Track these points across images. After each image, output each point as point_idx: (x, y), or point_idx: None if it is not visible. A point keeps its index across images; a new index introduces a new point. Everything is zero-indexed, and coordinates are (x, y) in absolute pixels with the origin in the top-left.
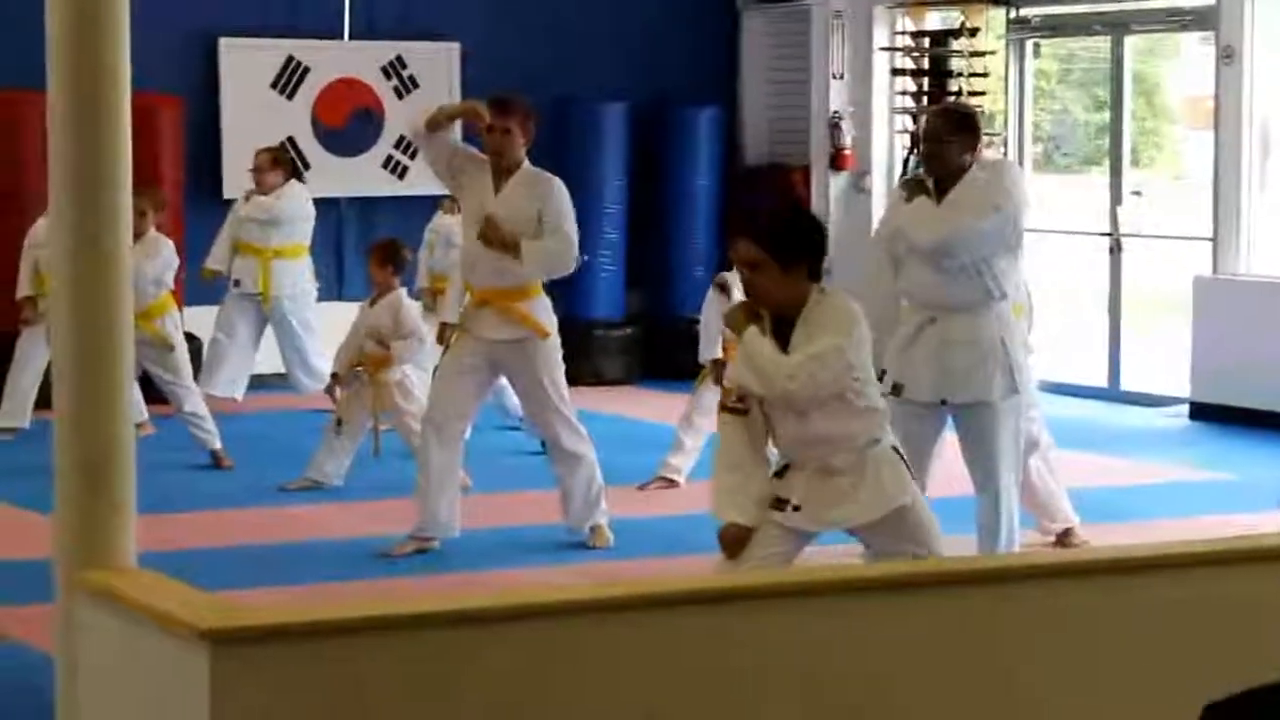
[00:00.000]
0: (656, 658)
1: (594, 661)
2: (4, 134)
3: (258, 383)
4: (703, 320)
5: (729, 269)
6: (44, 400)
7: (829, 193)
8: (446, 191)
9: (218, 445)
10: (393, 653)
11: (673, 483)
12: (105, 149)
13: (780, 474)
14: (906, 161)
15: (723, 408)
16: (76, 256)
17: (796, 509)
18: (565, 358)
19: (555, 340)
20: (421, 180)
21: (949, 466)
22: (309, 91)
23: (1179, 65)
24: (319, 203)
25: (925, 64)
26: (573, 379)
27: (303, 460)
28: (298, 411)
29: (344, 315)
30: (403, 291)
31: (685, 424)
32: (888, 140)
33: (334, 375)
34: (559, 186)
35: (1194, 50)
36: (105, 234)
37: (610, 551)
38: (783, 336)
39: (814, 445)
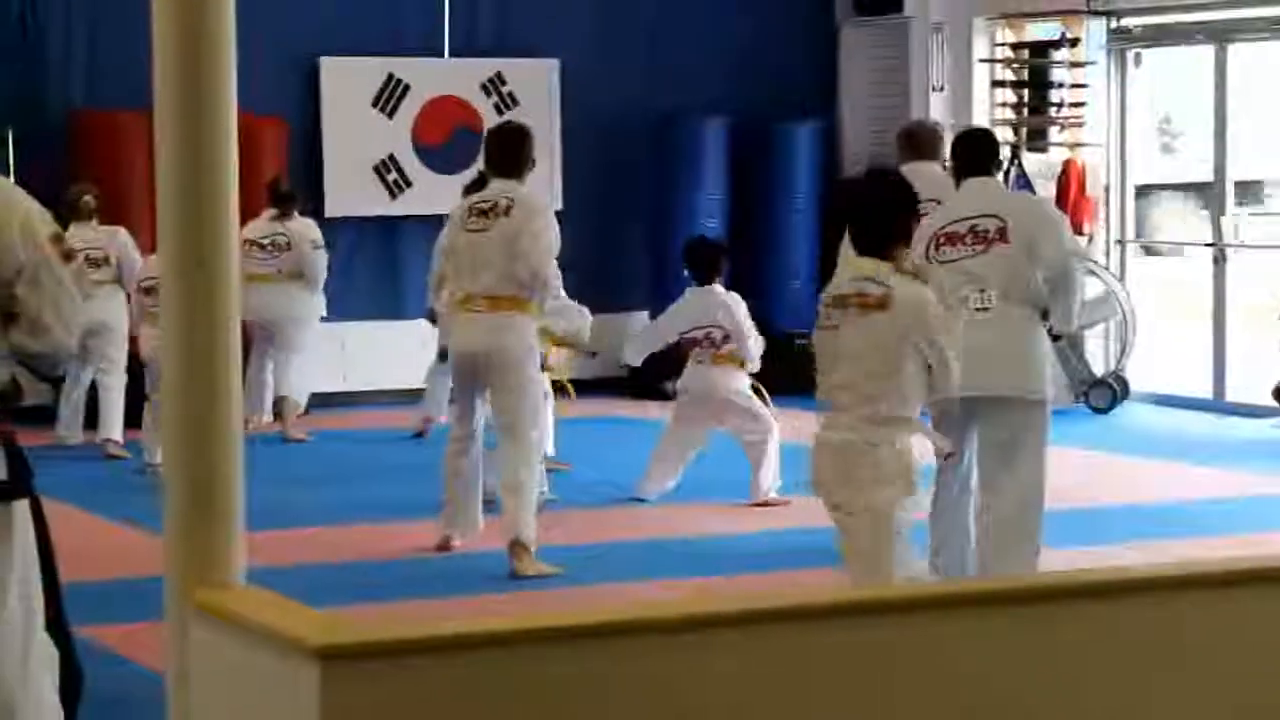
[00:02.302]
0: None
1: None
2: (112, 154)
3: (342, 400)
4: None
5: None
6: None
7: None
8: None
9: None
10: (507, 669)
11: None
12: (213, 170)
13: None
14: (1007, 173)
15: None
16: (184, 276)
17: None
18: (676, 373)
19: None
20: (540, 200)
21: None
22: (409, 109)
23: None
24: (419, 220)
25: (1025, 75)
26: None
27: (389, 476)
28: (376, 430)
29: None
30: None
31: None
32: None
33: None
34: None
35: None
36: (213, 253)
37: (730, 566)
38: None
39: None
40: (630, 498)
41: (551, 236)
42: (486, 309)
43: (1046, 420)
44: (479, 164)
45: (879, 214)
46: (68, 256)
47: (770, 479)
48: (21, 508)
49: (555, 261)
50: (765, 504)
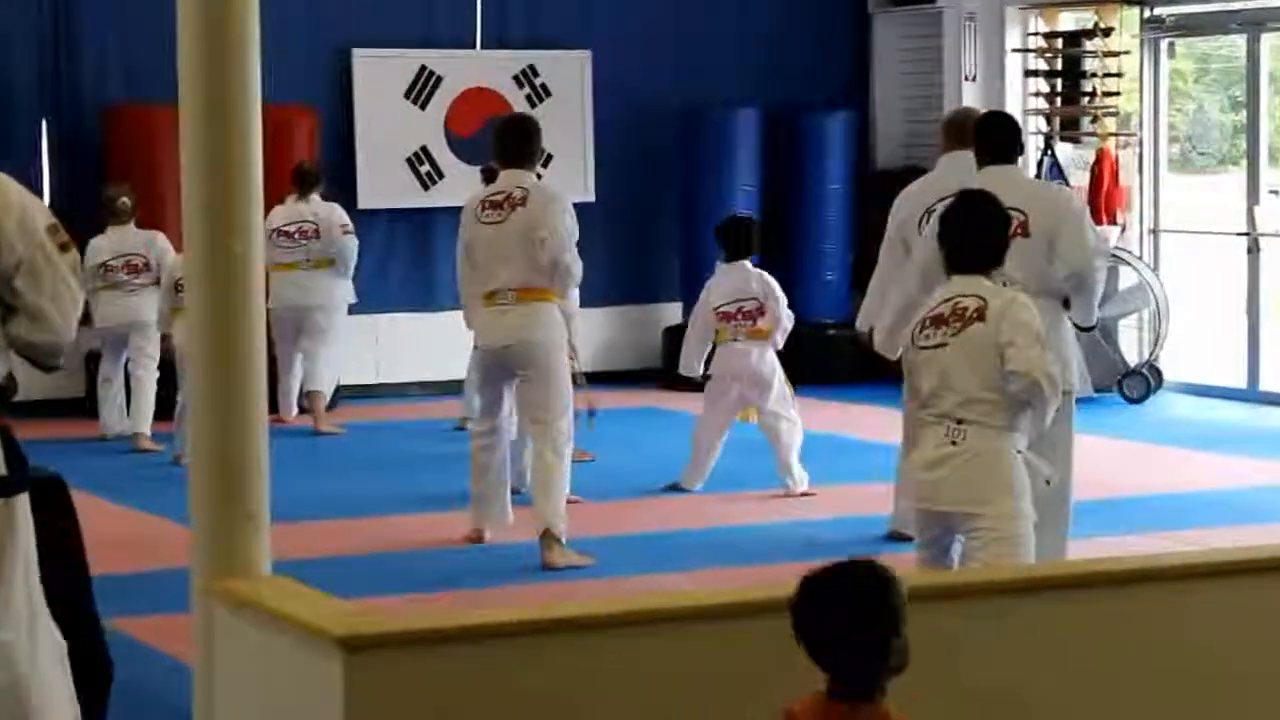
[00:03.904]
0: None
1: (726, 663)
2: (148, 150)
3: (376, 392)
4: None
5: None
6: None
7: None
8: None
9: None
10: (529, 658)
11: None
12: (236, 160)
13: None
14: (1040, 163)
15: None
16: (210, 265)
17: None
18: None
19: None
20: (554, 188)
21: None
22: (441, 101)
23: None
24: (452, 211)
25: (1059, 65)
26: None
27: (422, 468)
28: (410, 421)
29: None
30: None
31: None
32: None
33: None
34: None
35: None
36: (237, 243)
37: (753, 556)
38: None
39: None
40: (666, 487)
41: (569, 223)
42: (513, 301)
43: (1072, 410)
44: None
45: (986, 235)
46: (65, 247)
47: (800, 467)
48: (23, 502)
49: (576, 248)
50: (804, 494)
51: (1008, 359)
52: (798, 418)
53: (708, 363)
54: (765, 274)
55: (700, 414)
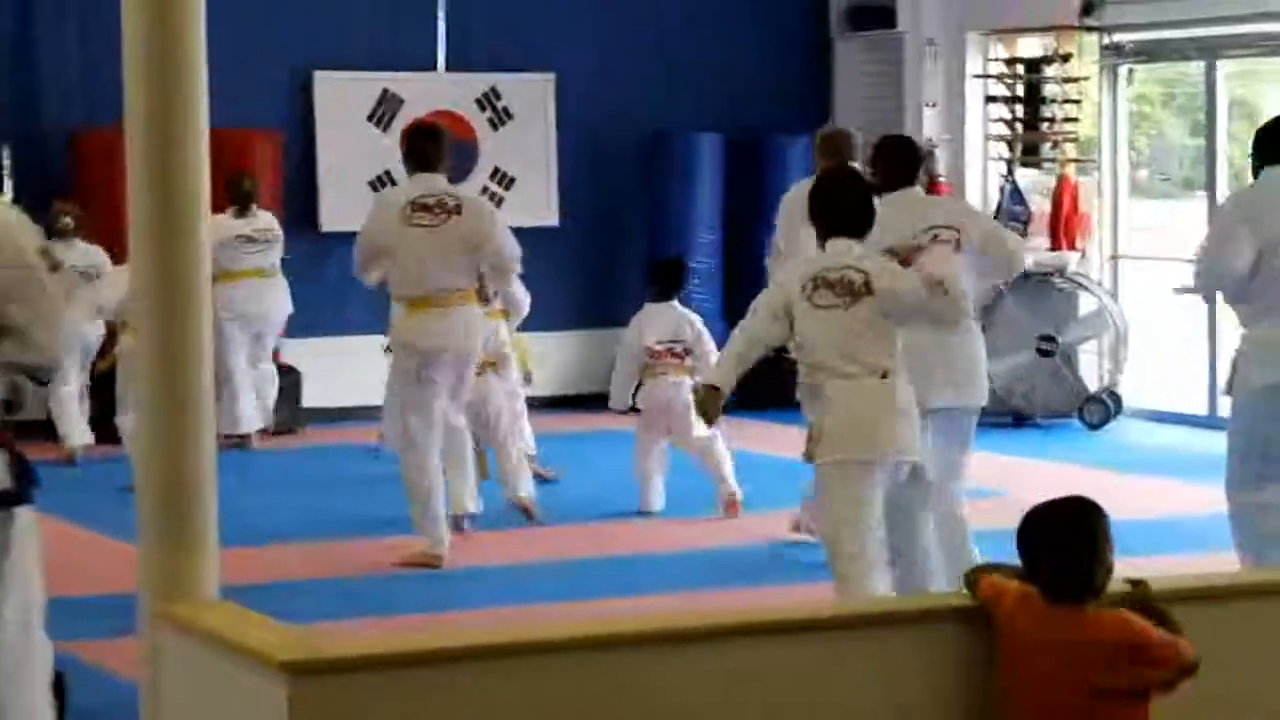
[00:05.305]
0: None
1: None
2: (112, 173)
3: (335, 415)
4: None
5: None
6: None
7: None
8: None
9: None
10: (475, 683)
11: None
12: (181, 182)
13: None
14: (1002, 189)
15: None
16: (155, 289)
17: None
18: None
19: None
20: (517, 212)
21: None
22: (404, 124)
23: None
24: None
25: (1019, 91)
26: None
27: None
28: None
29: None
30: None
31: None
32: (982, 168)
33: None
34: None
35: None
36: (183, 266)
37: (714, 581)
38: None
39: None
40: (629, 512)
41: (504, 227)
42: (453, 304)
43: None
44: (478, 177)
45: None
46: (54, 268)
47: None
48: (23, 514)
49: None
50: (736, 508)
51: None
52: (719, 433)
53: (634, 395)
54: (695, 317)
55: (636, 446)
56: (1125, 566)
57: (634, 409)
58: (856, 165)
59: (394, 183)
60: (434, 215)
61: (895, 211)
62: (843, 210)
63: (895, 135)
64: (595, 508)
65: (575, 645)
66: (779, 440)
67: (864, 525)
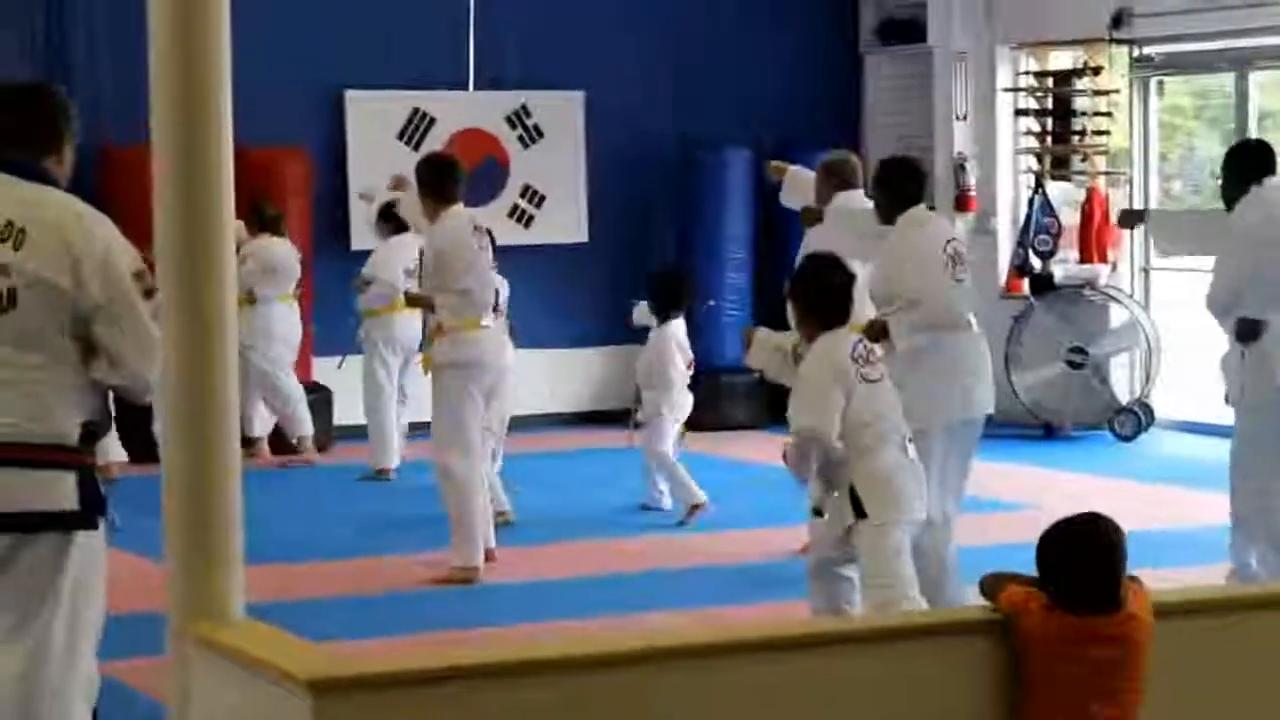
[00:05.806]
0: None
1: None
2: (144, 191)
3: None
4: None
5: None
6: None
7: None
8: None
9: None
10: (500, 701)
11: None
12: (208, 201)
13: None
14: (1031, 201)
15: None
16: (182, 308)
17: None
18: (695, 403)
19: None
20: (548, 229)
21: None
22: (434, 142)
23: None
24: None
25: (1049, 104)
26: (700, 424)
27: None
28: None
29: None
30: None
31: None
32: (1012, 181)
33: None
34: None
35: None
36: (209, 286)
37: (712, 598)
38: None
39: None
40: (657, 526)
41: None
42: (494, 324)
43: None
44: (509, 195)
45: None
46: (149, 293)
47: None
48: (83, 538)
49: None
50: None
51: None
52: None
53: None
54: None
55: (663, 449)
56: (1153, 579)
57: (637, 425)
58: (860, 191)
59: None
60: (483, 239)
61: (918, 231)
62: (834, 303)
63: (897, 157)
64: (622, 523)
65: (602, 661)
66: None
67: None
